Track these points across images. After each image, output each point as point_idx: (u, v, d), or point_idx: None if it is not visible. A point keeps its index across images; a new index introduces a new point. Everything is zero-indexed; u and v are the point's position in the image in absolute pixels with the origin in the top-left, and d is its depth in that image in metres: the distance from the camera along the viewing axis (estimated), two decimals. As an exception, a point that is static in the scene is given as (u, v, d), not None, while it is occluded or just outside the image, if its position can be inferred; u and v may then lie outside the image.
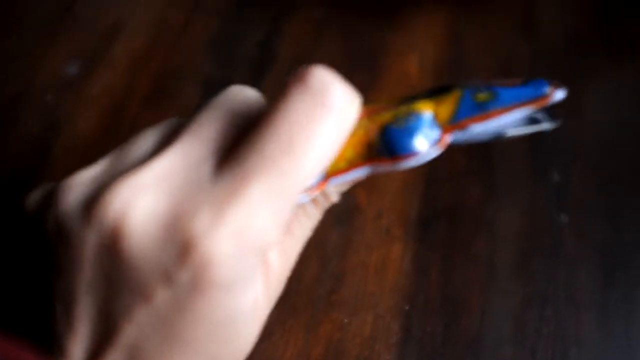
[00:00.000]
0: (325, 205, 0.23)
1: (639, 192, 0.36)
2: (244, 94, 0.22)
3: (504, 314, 0.31)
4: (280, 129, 0.19)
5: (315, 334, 0.30)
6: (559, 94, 0.20)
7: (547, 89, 0.20)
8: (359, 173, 0.21)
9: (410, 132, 0.20)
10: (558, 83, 0.20)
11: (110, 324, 0.19)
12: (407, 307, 0.31)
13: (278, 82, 0.38)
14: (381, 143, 0.20)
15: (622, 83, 0.40)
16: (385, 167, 0.21)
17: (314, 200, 0.23)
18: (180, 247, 0.18)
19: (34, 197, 0.22)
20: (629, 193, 0.36)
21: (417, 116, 0.20)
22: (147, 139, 0.22)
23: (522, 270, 0.32)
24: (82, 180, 0.21)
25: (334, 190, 0.23)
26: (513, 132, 0.21)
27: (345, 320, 0.30)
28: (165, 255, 0.18)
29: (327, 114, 0.19)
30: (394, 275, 0.32)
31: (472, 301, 0.31)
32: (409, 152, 0.20)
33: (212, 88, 0.38)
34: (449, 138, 0.21)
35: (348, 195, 0.33)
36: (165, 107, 0.37)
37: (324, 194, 0.23)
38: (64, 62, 0.39)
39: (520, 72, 0.40)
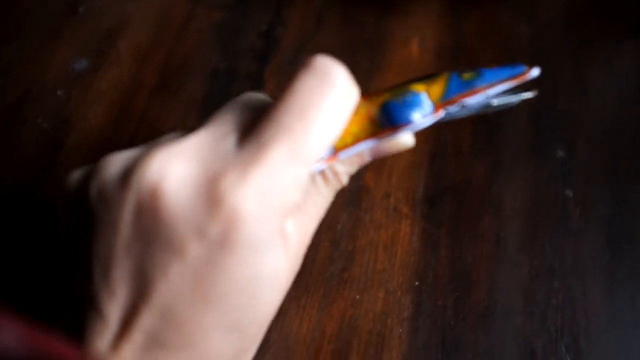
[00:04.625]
0: (336, 186, 0.25)
1: (643, 166, 0.36)
2: (256, 95, 0.25)
3: (513, 286, 0.32)
4: (292, 102, 0.22)
5: (328, 311, 0.31)
6: (535, 71, 0.23)
7: (524, 67, 0.23)
8: (365, 145, 0.23)
9: (407, 105, 0.23)
10: (531, 66, 0.23)
11: (146, 282, 0.21)
12: (417, 283, 0.31)
13: (281, 70, 0.39)
14: (382, 115, 0.23)
15: (623, 57, 0.40)
16: (387, 137, 0.23)
17: (326, 180, 0.25)
18: (210, 203, 0.20)
19: (75, 175, 0.24)
20: (634, 166, 0.36)
21: (412, 92, 0.23)
22: (173, 134, 0.25)
23: (528, 244, 0.33)
24: (122, 156, 0.23)
25: (344, 171, 0.25)
26: (498, 102, 0.24)
27: (357, 297, 0.31)
28: (197, 211, 0.20)
29: (332, 88, 0.22)
30: (403, 252, 0.32)
31: (480, 275, 0.32)
32: (407, 122, 0.23)
33: (217, 79, 0.39)
34: (442, 112, 0.23)
35: (356, 177, 0.34)
36: (172, 99, 0.38)
37: (335, 176, 0.25)
38: (72, 59, 0.39)
39: (521, 52, 0.40)
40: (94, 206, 0.22)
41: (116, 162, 0.23)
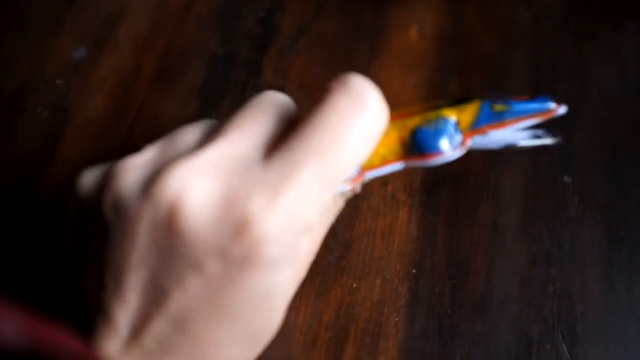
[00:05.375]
0: (349, 194, 0.25)
1: (643, 152, 0.36)
2: (278, 97, 0.24)
3: (510, 274, 0.32)
4: (325, 123, 0.21)
5: (325, 299, 0.31)
6: (562, 109, 0.23)
7: (553, 104, 0.23)
8: (392, 168, 0.24)
9: (438, 133, 0.23)
10: (560, 99, 0.24)
11: (160, 292, 0.21)
12: (414, 271, 0.32)
13: (280, 57, 0.39)
14: (412, 141, 0.23)
15: (624, 42, 0.40)
16: (415, 163, 0.24)
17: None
18: (237, 225, 0.20)
19: (87, 178, 0.23)
20: (633, 152, 0.36)
21: (444, 120, 0.23)
22: (189, 134, 0.24)
23: (526, 232, 0.33)
24: (137, 164, 0.22)
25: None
26: (523, 143, 0.24)
27: (355, 285, 0.31)
28: (221, 232, 0.20)
29: (365, 112, 0.22)
30: (400, 240, 0.32)
31: (478, 263, 0.32)
32: (436, 151, 0.23)
33: (217, 65, 0.39)
34: (469, 141, 0.24)
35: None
36: (171, 87, 0.38)
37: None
38: (71, 48, 0.39)
39: (521, 38, 0.40)
40: (108, 217, 0.21)
41: (133, 171, 0.22)
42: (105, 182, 0.22)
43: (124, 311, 0.21)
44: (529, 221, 0.33)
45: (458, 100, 0.24)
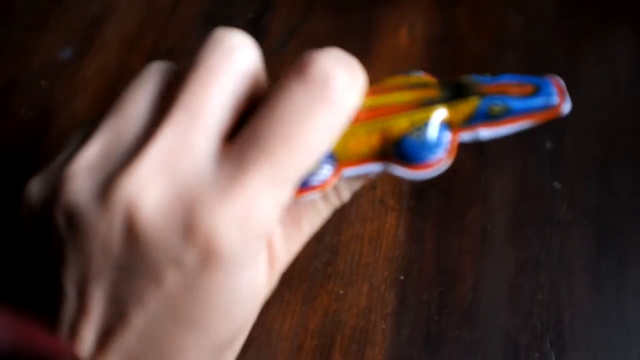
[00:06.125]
0: (336, 203, 0.24)
1: (633, 157, 0.36)
2: (239, 55, 0.21)
3: (498, 280, 0.31)
4: (278, 121, 0.19)
5: (312, 306, 0.30)
6: (567, 107, 0.22)
7: (556, 100, 0.22)
8: (372, 168, 0.22)
9: (424, 145, 0.21)
10: (563, 90, 0.22)
11: (122, 307, 0.20)
12: (402, 277, 0.31)
13: (270, 58, 0.38)
14: (397, 150, 0.21)
15: (616, 47, 0.40)
16: (397, 170, 0.22)
17: (324, 197, 0.24)
18: (186, 231, 0.19)
19: (34, 190, 0.22)
20: (623, 158, 0.36)
21: (434, 127, 0.21)
22: (138, 103, 0.21)
23: (515, 237, 0.33)
24: (83, 168, 0.20)
25: (347, 187, 0.24)
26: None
27: (341, 292, 0.31)
28: (173, 241, 0.19)
29: (326, 106, 0.20)
30: (388, 246, 0.32)
31: (466, 269, 0.32)
32: (423, 162, 0.21)
33: (205, 67, 0.38)
34: (458, 139, 0.22)
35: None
36: (158, 88, 0.37)
37: (337, 192, 0.24)
38: (57, 48, 0.39)
39: (512, 42, 0.40)
40: (62, 233, 0.20)
41: (81, 179, 0.20)
42: (54, 194, 0.20)
43: (89, 326, 0.20)
44: (518, 226, 0.33)
45: (455, 90, 0.22)
